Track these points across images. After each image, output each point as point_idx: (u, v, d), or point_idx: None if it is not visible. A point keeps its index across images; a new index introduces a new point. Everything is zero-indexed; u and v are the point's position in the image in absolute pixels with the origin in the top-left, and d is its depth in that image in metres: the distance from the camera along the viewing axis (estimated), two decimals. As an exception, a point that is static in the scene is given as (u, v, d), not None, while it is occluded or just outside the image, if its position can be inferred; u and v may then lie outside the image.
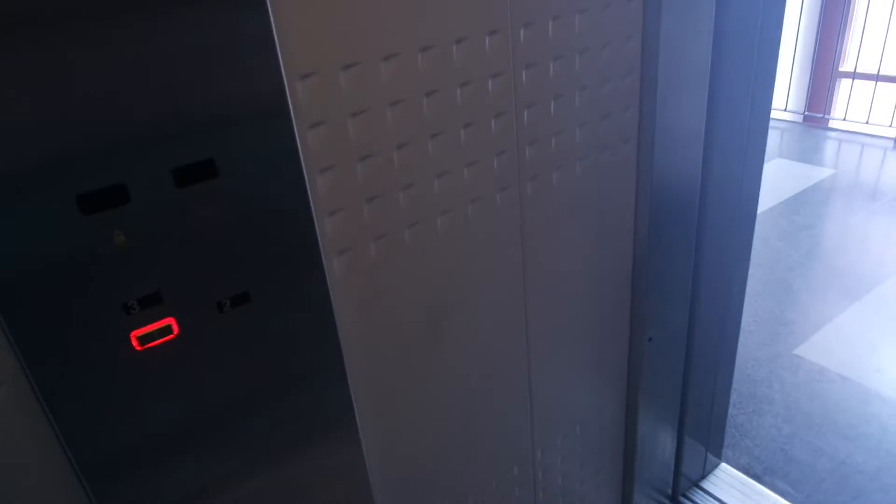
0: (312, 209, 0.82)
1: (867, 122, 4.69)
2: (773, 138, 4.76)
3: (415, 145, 0.93)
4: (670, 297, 1.51)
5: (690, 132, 1.33)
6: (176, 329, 0.76)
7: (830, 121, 4.93)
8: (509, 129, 1.03)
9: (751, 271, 1.74)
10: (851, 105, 4.80)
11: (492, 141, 1.02)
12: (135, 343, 0.73)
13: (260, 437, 0.89)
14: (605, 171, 1.23)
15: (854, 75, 4.78)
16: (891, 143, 4.52)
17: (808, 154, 4.52)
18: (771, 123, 1.53)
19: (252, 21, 0.70)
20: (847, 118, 4.81)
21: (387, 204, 0.94)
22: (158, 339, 0.75)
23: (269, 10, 0.71)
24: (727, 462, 2.07)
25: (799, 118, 5.08)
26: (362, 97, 0.85)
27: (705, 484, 1.98)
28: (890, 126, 4.58)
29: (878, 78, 4.64)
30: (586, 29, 1.07)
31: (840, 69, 4.87)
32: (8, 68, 0.58)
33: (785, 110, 5.11)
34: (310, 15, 0.77)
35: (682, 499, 1.93)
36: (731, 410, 2.16)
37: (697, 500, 1.93)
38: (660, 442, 1.73)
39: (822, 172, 4.21)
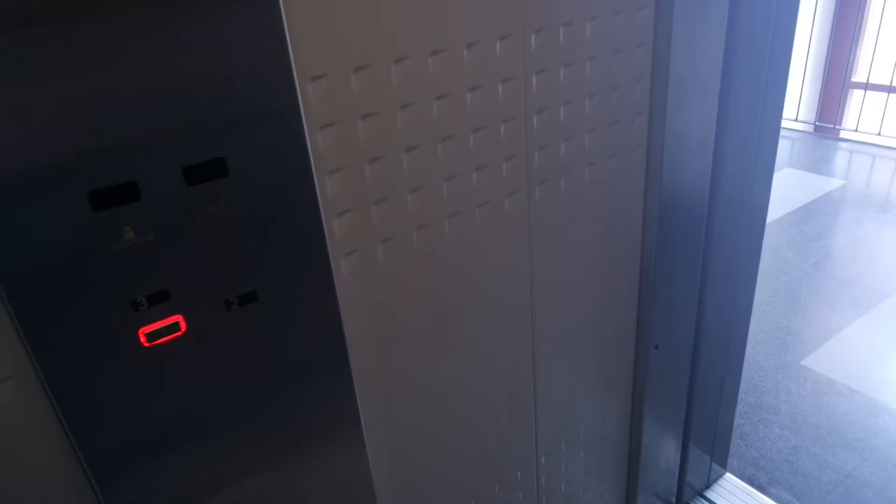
0: (321, 210, 0.83)
1: (879, 133, 4.66)
2: (783, 148, 4.74)
3: (424, 148, 0.93)
4: (677, 305, 1.51)
5: (700, 140, 1.33)
6: (184, 326, 0.76)
7: (841, 131, 4.91)
8: (519, 134, 1.04)
9: (759, 281, 1.73)
10: (863, 116, 4.77)
11: (501, 145, 1.02)
12: (143, 340, 0.74)
13: (264, 436, 0.90)
14: (614, 177, 1.23)
15: (866, 86, 4.76)
16: (902, 155, 4.49)
17: (818, 164, 4.50)
18: (781, 133, 1.52)
19: (265, 22, 0.71)
20: (858, 129, 4.78)
21: (395, 206, 0.94)
22: (166, 336, 0.75)
23: (282, 10, 0.72)
24: (732, 472, 2.06)
25: (810, 128, 5.06)
26: (373, 100, 0.86)
27: (709, 494, 1.97)
28: (902, 138, 4.55)
29: (890, 89, 4.61)
30: (597, 36, 1.07)
31: (852, 79, 4.85)
32: (22, 67, 0.59)
33: (796, 120, 5.09)
34: (322, 16, 0.78)
35: (685, 508, 1.92)
36: (736, 420, 2.15)
37: (701, 510, 1.92)
38: (664, 450, 1.72)
39: (833, 183, 4.18)
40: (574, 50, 1.05)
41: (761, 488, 2.04)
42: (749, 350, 1.86)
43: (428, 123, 0.92)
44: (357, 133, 0.86)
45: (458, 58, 0.92)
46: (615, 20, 1.09)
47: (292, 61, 0.74)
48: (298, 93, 0.76)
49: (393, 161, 0.91)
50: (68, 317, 0.68)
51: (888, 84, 4.61)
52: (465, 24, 0.90)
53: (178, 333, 0.76)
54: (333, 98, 0.82)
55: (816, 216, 3.77)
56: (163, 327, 0.74)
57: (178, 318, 0.75)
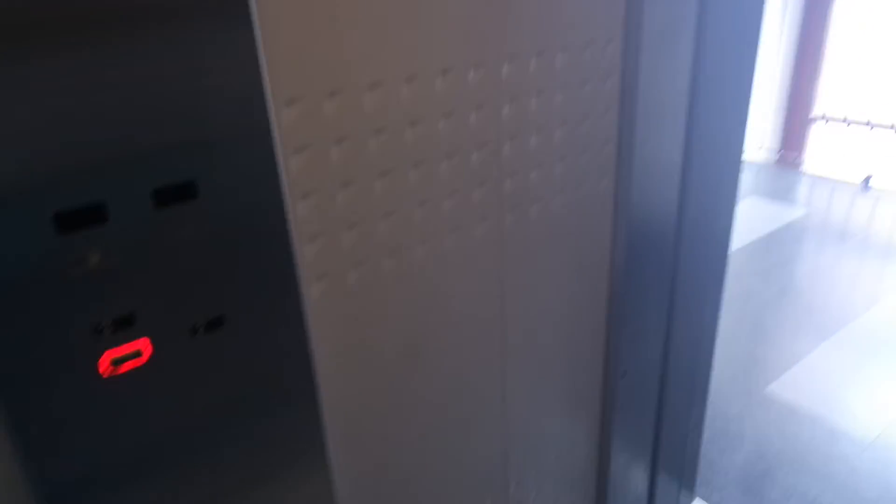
0: (292, 234, 0.82)
1: (838, 165, 4.82)
2: (748, 177, 4.87)
3: (397, 174, 0.94)
4: (645, 332, 1.52)
5: (667, 169, 1.35)
6: (147, 352, 0.74)
7: (803, 162, 5.07)
8: (490, 162, 1.05)
9: (724, 308, 1.76)
10: (823, 148, 4.95)
11: (473, 172, 1.03)
12: (104, 366, 0.72)
13: (228, 464, 0.87)
14: (583, 205, 1.24)
15: (826, 119, 4.94)
16: (859, 186, 4.64)
17: (781, 194, 4.62)
18: (746, 163, 1.56)
19: (239, 45, 0.71)
20: (819, 160, 4.94)
21: (367, 231, 0.94)
22: (128, 361, 0.73)
23: (257, 34, 0.72)
24: (700, 498, 2.07)
25: (773, 158, 5.21)
26: (346, 125, 0.86)
27: (677, 520, 1.98)
28: (859, 169, 4.71)
29: (848, 122, 4.79)
30: (567, 66, 1.09)
31: (813, 113, 5.02)
32: (-11, 84, 0.58)
33: (760, 150, 5.24)
34: (297, 41, 0.78)
35: (654, 535, 1.92)
36: (703, 447, 2.16)
37: (669, 537, 1.92)
38: (633, 476, 1.72)
39: (795, 212, 4.30)
40: (545, 79, 1.07)
41: (728, 514, 2.06)
42: (714, 377, 1.88)
43: (401, 149, 0.93)
44: (330, 158, 0.86)
45: (431, 84, 0.92)
46: (585, 51, 1.11)
47: (266, 85, 0.74)
48: (272, 116, 0.76)
49: (365, 186, 0.91)
50: (28, 340, 0.66)
51: (846, 118, 4.80)
52: (438, 51, 0.92)
53: (142, 360, 0.74)
54: (307, 122, 0.82)
55: (780, 244, 3.87)
56: (127, 353, 0.73)
57: (141, 343, 0.74)
